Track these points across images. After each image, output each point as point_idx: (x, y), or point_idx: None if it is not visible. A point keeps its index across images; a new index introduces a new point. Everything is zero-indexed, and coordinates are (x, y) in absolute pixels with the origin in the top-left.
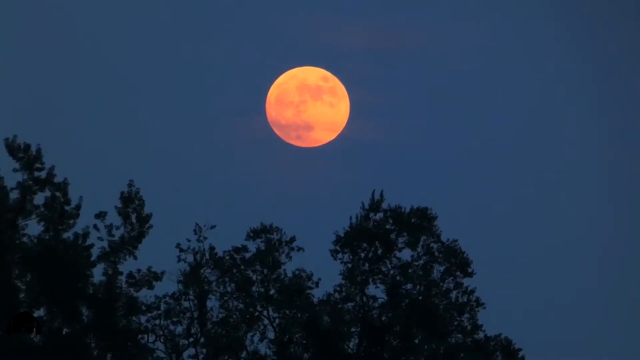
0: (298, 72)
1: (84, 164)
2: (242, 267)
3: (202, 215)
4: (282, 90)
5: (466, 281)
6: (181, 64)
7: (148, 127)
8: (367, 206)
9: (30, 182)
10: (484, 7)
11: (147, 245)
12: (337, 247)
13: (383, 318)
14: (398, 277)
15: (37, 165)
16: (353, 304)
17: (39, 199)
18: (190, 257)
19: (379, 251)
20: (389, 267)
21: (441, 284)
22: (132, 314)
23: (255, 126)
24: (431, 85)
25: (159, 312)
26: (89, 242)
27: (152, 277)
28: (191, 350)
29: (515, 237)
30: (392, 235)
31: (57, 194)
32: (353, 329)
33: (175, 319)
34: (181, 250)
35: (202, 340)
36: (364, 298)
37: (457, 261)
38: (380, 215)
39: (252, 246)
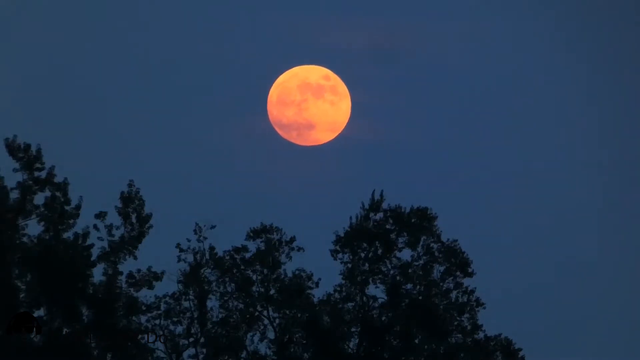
0: (299, 70)
1: (84, 164)
2: (242, 267)
3: (202, 215)
4: (283, 89)
5: (466, 281)
6: (181, 63)
7: (148, 127)
8: (367, 206)
9: (30, 182)
10: (483, 7)
11: (147, 245)
12: (337, 247)
13: (383, 318)
14: (398, 277)
15: (37, 165)
16: (353, 304)
17: (39, 199)
18: (190, 257)
19: (379, 251)
20: (389, 267)
21: (441, 284)
22: (132, 314)
23: (256, 125)
24: (431, 85)
25: (159, 312)
26: (89, 242)
27: (152, 277)
28: (191, 350)
29: (515, 237)
30: (392, 235)
31: (57, 194)
32: (353, 329)
33: (175, 319)
34: (181, 250)
35: (202, 340)
36: (364, 298)
37: (457, 261)
38: (380, 215)
39: (252, 246)
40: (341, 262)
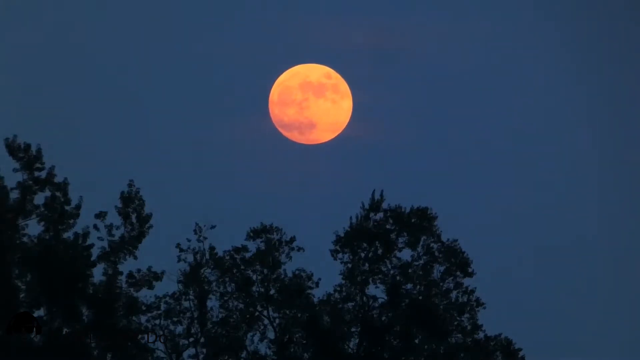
0: (301, 69)
1: (84, 164)
2: (242, 267)
3: (202, 215)
4: (284, 87)
5: (466, 281)
6: (181, 62)
7: (147, 127)
8: (367, 206)
9: (30, 182)
10: (484, 7)
11: (147, 245)
12: (337, 247)
13: (383, 318)
14: (398, 277)
15: (37, 165)
16: (353, 304)
17: (39, 199)
18: (190, 257)
19: (379, 251)
20: (389, 267)
21: (441, 284)
22: (132, 314)
23: (258, 125)
24: (431, 85)
25: (159, 312)
26: (89, 242)
27: (152, 277)
28: (191, 350)
29: (515, 237)
30: (392, 235)
31: (57, 194)
32: (353, 329)
33: (175, 319)
34: (181, 250)
35: (202, 340)
36: (364, 298)
37: (457, 261)
38: (380, 215)
39: (252, 246)
40: (341, 262)
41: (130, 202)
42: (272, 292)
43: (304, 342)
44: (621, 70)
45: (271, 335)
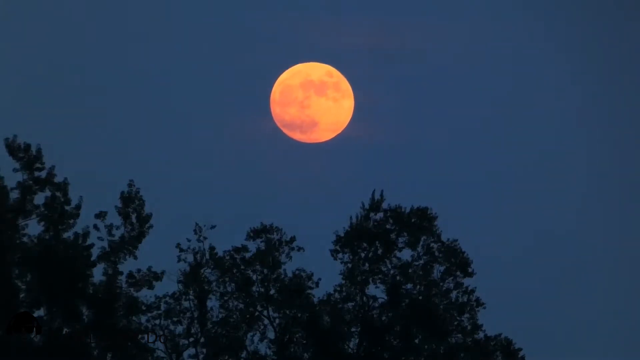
0: (302, 67)
1: (84, 164)
2: (242, 267)
3: (202, 215)
4: (286, 86)
5: (466, 281)
6: (180, 62)
7: (147, 127)
8: (367, 206)
9: (30, 182)
10: (485, 7)
11: (147, 245)
12: (337, 247)
13: (383, 318)
14: (398, 277)
15: (37, 165)
16: (353, 304)
17: (39, 199)
18: (190, 257)
19: (379, 251)
20: (389, 267)
21: (441, 284)
22: (132, 314)
23: (259, 124)
24: (431, 85)
25: (159, 312)
26: (89, 242)
27: (152, 277)
28: (191, 350)
29: (515, 237)
30: (392, 235)
31: (57, 193)
32: (353, 329)
33: (175, 319)
34: (181, 250)
35: (202, 340)
36: (364, 298)
37: (457, 261)
38: (380, 215)
39: (252, 246)
40: (341, 262)
41: (130, 202)
42: (272, 292)
43: (304, 342)
44: (622, 70)
45: (271, 335)
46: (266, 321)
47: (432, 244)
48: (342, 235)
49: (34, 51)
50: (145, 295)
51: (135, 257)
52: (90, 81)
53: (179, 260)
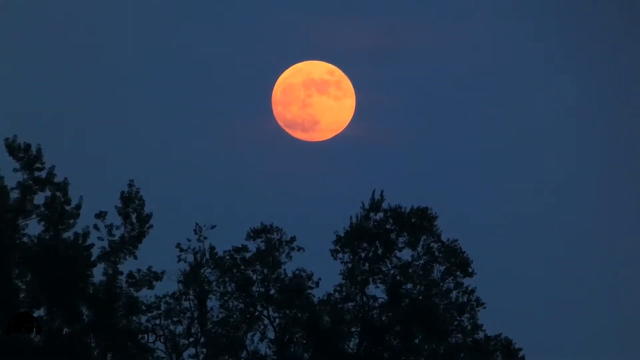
0: (303, 66)
1: (84, 164)
2: (242, 267)
3: (202, 215)
4: (287, 84)
5: (466, 281)
6: (180, 61)
7: (147, 127)
8: (367, 206)
9: (31, 182)
10: (486, 7)
11: (147, 245)
12: (337, 247)
13: (383, 318)
14: (398, 277)
15: (37, 165)
16: (353, 303)
17: (39, 199)
18: (190, 257)
19: (379, 251)
20: (389, 267)
21: (441, 283)
22: (132, 314)
23: (260, 124)
24: (431, 85)
25: (159, 312)
26: (89, 242)
27: (152, 277)
28: (191, 350)
29: (515, 236)
30: (392, 235)
31: (57, 193)
32: (353, 329)
33: (175, 319)
34: (181, 250)
35: (202, 340)
36: (364, 298)
37: (457, 261)
38: (380, 215)
39: (252, 246)
40: (341, 262)
41: (130, 202)
42: (272, 292)
43: (304, 342)
44: (622, 70)
45: (271, 335)
46: (266, 321)
47: (432, 244)
48: (342, 235)
49: (34, 51)
50: (145, 295)
51: (135, 257)
52: (90, 81)
53: (179, 260)
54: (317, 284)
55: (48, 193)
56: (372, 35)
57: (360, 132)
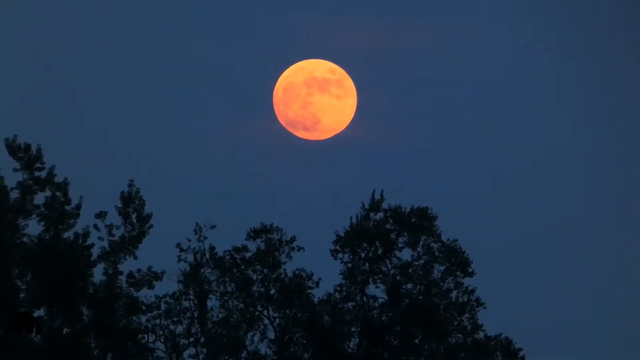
0: (305, 64)
1: (84, 164)
2: (242, 267)
3: (202, 215)
4: (289, 83)
5: (466, 281)
6: (180, 60)
7: (147, 127)
8: (367, 206)
9: (31, 182)
10: (486, 7)
11: (147, 245)
12: (337, 247)
13: (383, 318)
14: (398, 277)
15: (37, 165)
16: (353, 303)
17: (39, 198)
18: (190, 257)
19: (379, 251)
20: (389, 267)
21: (441, 283)
22: (132, 314)
23: (261, 123)
24: (431, 85)
25: (159, 312)
26: (89, 242)
27: (152, 277)
28: (191, 350)
29: (515, 236)
30: (392, 235)
31: (58, 193)
32: (353, 329)
33: (175, 319)
34: (181, 250)
35: (202, 340)
36: (364, 298)
37: (457, 261)
38: (380, 215)
39: (252, 246)
40: (341, 262)
41: (130, 202)
42: (272, 292)
43: (304, 342)
44: (623, 70)
45: (271, 335)
46: (266, 321)
47: (432, 244)
48: (342, 235)
49: (34, 51)
50: (145, 295)
51: (135, 257)
52: (91, 81)
53: (179, 260)
54: (317, 284)
55: (48, 193)
56: (372, 36)
57: (360, 132)
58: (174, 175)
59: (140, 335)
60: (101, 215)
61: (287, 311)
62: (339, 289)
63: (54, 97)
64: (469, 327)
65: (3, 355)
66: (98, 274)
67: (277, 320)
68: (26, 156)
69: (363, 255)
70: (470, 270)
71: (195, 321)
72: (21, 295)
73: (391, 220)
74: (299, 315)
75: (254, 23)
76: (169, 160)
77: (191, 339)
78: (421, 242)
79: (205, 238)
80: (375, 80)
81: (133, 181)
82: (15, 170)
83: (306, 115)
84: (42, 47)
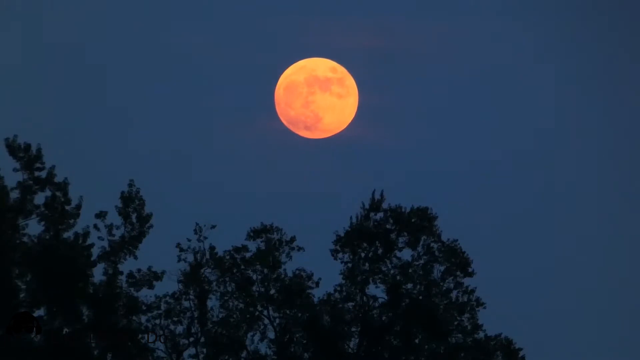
0: (306, 63)
1: (84, 164)
2: (242, 267)
3: (202, 215)
4: (290, 81)
5: (466, 281)
6: (181, 60)
7: (147, 127)
8: (367, 206)
9: (31, 182)
10: (486, 7)
11: (147, 245)
12: (337, 247)
13: (383, 318)
14: (398, 277)
15: (38, 165)
16: (353, 303)
17: (39, 198)
18: (190, 257)
19: (379, 251)
20: (389, 266)
21: (441, 283)
22: (132, 314)
23: (262, 121)
24: (432, 85)
25: (160, 311)
26: (89, 241)
27: (152, 277)
28: (191, 350)
29: (515, 236)
30: (392, 235)
31: (58, 193)
32: (353, 329)
33: (175, 319)
34: (181, 250)
35: (202, 340)
36: (364, 298)
37: (457, 261)
38: (380, 215)
39: (252, 246)
40: (341, 262)
41: (130, 202)
42: (272, 292)
43: (304, 342)
44: (624, 70)
45: (271, 335)
46: (266, 321)
47: (432, 244)
48: (342, 235)
49: (34, 51)
50: (145, 295)
51: (136, 257)
52: (91, 80)
53: (179, 260)
54: (317, 284)
55: (48, 193)
56: (373, 36)
57: (361, 132)
58: (174, 175)
59: (140, 335)
60: (101, 215)
61: (287, 311)
62: (339, 289)
63: (54, 97)
64: (469, 327)
65: (3, 355)
66: (98, 274)
67: (277, 320)
68: (26, 156)
69: (363, 255)
70: (470, 270)
71: (195, 321)
72: (21, 295)
73: (391, 220)
74: (299, 315)
75: (255, 22)
76: (169, 160)
77: (191, 339)
78: (421, 242)
79: (205, 238)
80: (377, 80)
81: (133, 181)
82: (15, 170)
83: (307, 114)
84: (42, 47)
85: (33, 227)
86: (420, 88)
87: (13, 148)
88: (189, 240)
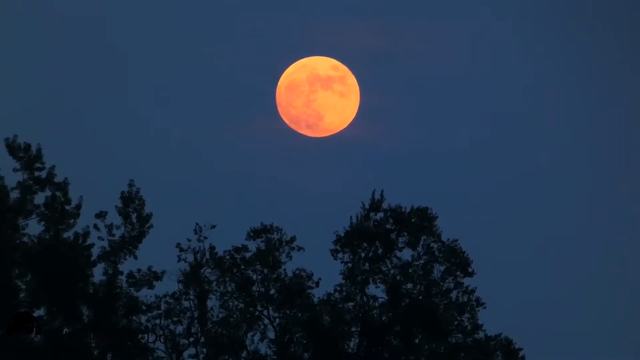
0: (308, 61)
1: (84, 163)
2: (242, 267)
3: (202, 215)
4: (292, 80)
5: (466, 281)
6: (181, 59)
7: (148, 126)
8: (367, 206)
9: (31, 182)
10: (487, 7)
11: (147, 245)
12: (337, 247)
13: (383, 318)
14: (398, 277)
15: (38, 165)
16: (353, 303)
17: (39, 198)
18: (190, 257)
19: (379, 251)
20: (389, 266)
21: (441, 283)
22: (132, 314)
23: (264, 120)
24: (431, 85)
25: (160, 311)
26: (89, 241)
27: (152, 277)
28: (191, 350)
29: (515, 236)
30: (392, 235)
31: (58, 193)
32: (353, 329)
33: (175, 319)
34: (181, 250)
35: (202, 339)
36: (364, 298)
37: (458, 261)
38: (380, 215)
39: (252, 246)
40: (341, 262)
41: (130, 202)
42: (272, 292)
43: (304, 342)
44: (623, 69)
45: (271, 335)
46: (266, 321)
47: (432, 244)
48: (342, 235)
49: (34, 51)
50: (145, 295)
51: (136, 257)
52: (91, 80)
53: (179, 260)
54: (317, 284)
55: (48, 193)
56: (374, 36)
57: (361, 131)
58: (174, 175)
59: (140, 335)
60: (101, 215)
61: (287, 311)
62: (339, 289)
63: (54, 97)
64: (469, 327)
65: (3, 355)
66: (98, 273)
67: (277, 320)
68: (26, 156)
69: (363, 255)
70: (470, 270)
71: (195, 321)
72: (21, 295)
73: (391, 220)
74: (299, 315)
75: (256, 21)
76: (169, 160)
77: (191, 339)
78: (421, 242)
79: (205, 238)
80: (377, 80)
81: (133, 181)
82: (15, 170)
83: (309, 113)
84: (42, 47)
85: (33, 227)
86: (421, 88)
87: (13, 148)
88: (189, 240)
